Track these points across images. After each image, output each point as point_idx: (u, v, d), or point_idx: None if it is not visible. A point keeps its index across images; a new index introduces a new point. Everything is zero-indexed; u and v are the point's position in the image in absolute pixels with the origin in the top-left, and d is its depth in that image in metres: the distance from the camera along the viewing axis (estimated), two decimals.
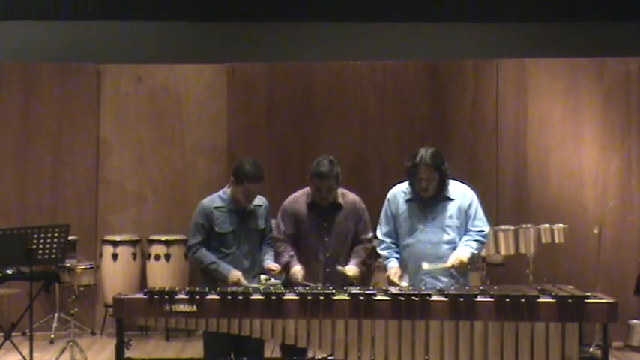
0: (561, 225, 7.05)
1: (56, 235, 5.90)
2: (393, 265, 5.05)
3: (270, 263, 5.20)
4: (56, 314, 7.73)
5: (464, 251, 4.94)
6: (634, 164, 7.87)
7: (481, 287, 4.88)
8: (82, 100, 8.21)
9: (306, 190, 5.29)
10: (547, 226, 7.02)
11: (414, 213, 5.02)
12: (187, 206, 7.02)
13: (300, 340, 4.49)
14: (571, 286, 4.78)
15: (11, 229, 5.94)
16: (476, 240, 5.00)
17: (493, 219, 7.37)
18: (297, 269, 5.10)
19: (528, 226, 6.95)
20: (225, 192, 5.26)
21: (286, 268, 5.17)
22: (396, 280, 4.98)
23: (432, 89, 8.14)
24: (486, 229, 5.09)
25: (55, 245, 5.90)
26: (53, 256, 5.93)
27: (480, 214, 5.07)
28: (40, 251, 5.83)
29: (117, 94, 8.24)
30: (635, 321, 7.34)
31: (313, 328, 4.47)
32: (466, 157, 7.97)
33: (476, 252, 5.03)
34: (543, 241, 6.99)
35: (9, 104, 8.17)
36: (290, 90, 8.21)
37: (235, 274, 5.07)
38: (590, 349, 6.83)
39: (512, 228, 6.95)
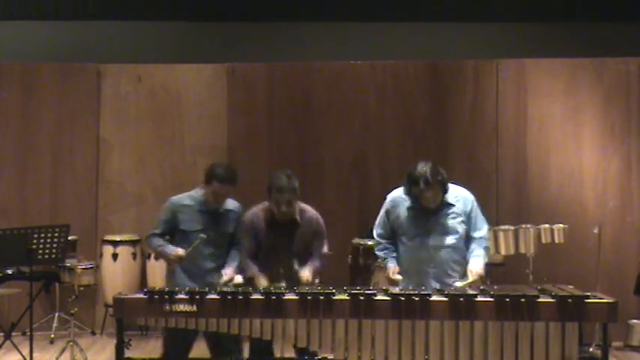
0: (561, 225, 7.04)
1: (56, 235, 5.90)
2: (392, 265, 5.07)
3: (227, 269, 5.23)
4: (56, 314, 7.73)
5: (478, 265, 4.95)
6: (634, 164, 7.87)
7: (481, 287, 4.88)
8: (82, 100, 8.21)
9: (265, 205, 5.31)
10: (547, 226, 7.01)
11: (416, 218, 5.02)
12: None
13: (300, 340, 4.49)
14: (571, 286, 4.78)
15: (11, 229, 5.94)
16: (484, 248, 5.05)
17: (493, 219, 7.38)
18: (263, 282, 5.13)
19: (528, 226, 6.95)
20: (197, 191, 5.29)
21: (251, 282, 5.21)
22: (397, 277, 4.99)
23: (432, 89, 8.14)
24: (487, 230, 5.12)
25: (55, 245, 5.89)
26: (53, 256, 5.93)
27: (481, 217, 5.10)
28: (40, 251, 5.83)
29: (117, 94, 8.24)
30: (635, 321, 7.35)
31: (313, 328, 4.47)
32: (466, 157, 7.98)
33: (486, 261, 5.06)
34: (543, 241, 6.99)
35: (9, 104, 8.17)
36: (290, 90, 8.21)
37: (176, 250, 5.12)
38: (590, 349, 6.83)
39: (512, 228, 6.95)
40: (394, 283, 5.05)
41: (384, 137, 8.09)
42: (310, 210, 5.38)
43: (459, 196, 5.06)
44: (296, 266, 5.21)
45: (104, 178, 8.19)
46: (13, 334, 6.44)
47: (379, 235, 5.17)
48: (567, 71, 8.00)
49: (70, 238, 6.43)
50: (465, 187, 5.16)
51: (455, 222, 5.00)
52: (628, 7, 8.82)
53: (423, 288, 4.71)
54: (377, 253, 5.22)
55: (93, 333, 7.94)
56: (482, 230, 5.07)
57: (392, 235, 5.12)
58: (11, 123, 8.16)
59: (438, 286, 4.90)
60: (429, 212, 5.00)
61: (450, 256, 4.99)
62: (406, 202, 5.04)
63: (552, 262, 7.51)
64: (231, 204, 5.32)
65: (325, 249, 5.39)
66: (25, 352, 6.05)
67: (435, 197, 4.94)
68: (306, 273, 5.18)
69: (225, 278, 5.18)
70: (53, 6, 8.92)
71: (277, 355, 4.88)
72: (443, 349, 4.41)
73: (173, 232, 5.26)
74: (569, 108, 7.97)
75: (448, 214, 5.01)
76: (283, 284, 5.03)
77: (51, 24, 8.93)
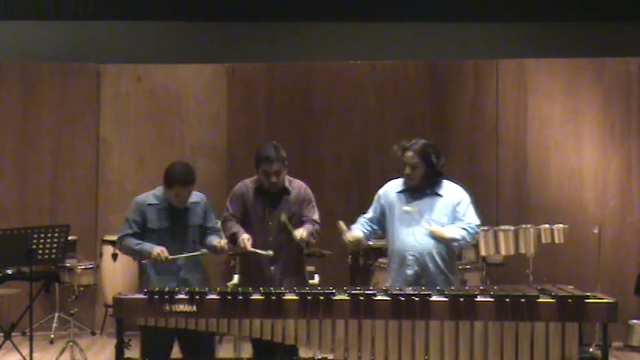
0: (561, 225, 7.04)
1: (56, 235, 5.90)
2: (355, 230, 5.13)
3: (214, 240, 5.19)
4: (56, 314, 7.73)
5: (449, 230, 4.97)
6: (634, 164, 7.87)
7: (481, 287, 4.88)
8: (82, 100, 8.21)
9: (255, 177, 5.36)
10: (547, 226, 7.01)
11: (401, 203, 5.06)
12: None
13: (300, 340, 4.49)
14: (571, 286, 4.78)
15: (11, 229, 5.94)
16: (464, 229, 5.01)
17: (493, 219, 7.40)
18: (245, 237, 5.15)
19: (528, 226, 6.95)
20: (160, 189, 5.25)
21: (234, 238, 5.22)
22: (349, 237, 5.09)
23: (432, 89, 8.14)
24: (477, 223, 5.08)
25: (55, 245, 5.89)
26: (53, 256, 5.93)
27: (472, 214, 5.07)
28: (40, 251, 5.83)
29: (117, 94, 8.23)
30: (635, 321, 7.34)
31: (313, 328, 4.47)
32: (466, 157, 7.98)
33: (460, 239, 5.00)
34: (543, 241, 6.99)
35: (9, 104, 8.17)
36: (290, 90, 8.21)
37: (157, 249, 5.04)
38: (590, 349, 6.83)
39: (512, 228, 6.94)
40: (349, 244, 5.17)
41: (384, 137, 8.07)
42: (297, 180, 5.41)
43: (450, 190, 5.10)
44: (289, 227, 5.19)
45: (104, 178, 8.19)
46: (13, 334, 6.43)
47: (364, 216, 5.23)
48: (567, 71, 8.00)
49: (70, 238, 6.43)
50: (464, 187, 5.17)
51: (440, 213, 5.02)
52: (628, 7, 8.82)
53: (423, 289, 4.71)
54: (352, 226, 5.23)
55: (93, 333, 7.94)
56: (470, 220, 5.05)
57: (377, 221, 5.18)
58: (11, 123, 8.16)
59: (414, 274, 4.93)
60: (415, 198, 5.04)
61: (432, 246, 4.97)
62: (398, 187, 5.12)
63: (552, 262, 7.51)
64: (195, 196, 5.28)
65: (316, 217, 5.38)
66: (25, 352, 6.05)
67: (411, 171, 4.99)
68: (299, 231, 5.17)
69: (220, 244, 5.14)
70: (53, 6, 8.92)
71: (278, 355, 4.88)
72: (443, 349, 4.41)
73: (142, 230, 5.21)
74: (569, 108, 7.96)
75: (434, 204, 5.03)
76: (271, 253, 5.12)
77: (51, 24, 8.92)
